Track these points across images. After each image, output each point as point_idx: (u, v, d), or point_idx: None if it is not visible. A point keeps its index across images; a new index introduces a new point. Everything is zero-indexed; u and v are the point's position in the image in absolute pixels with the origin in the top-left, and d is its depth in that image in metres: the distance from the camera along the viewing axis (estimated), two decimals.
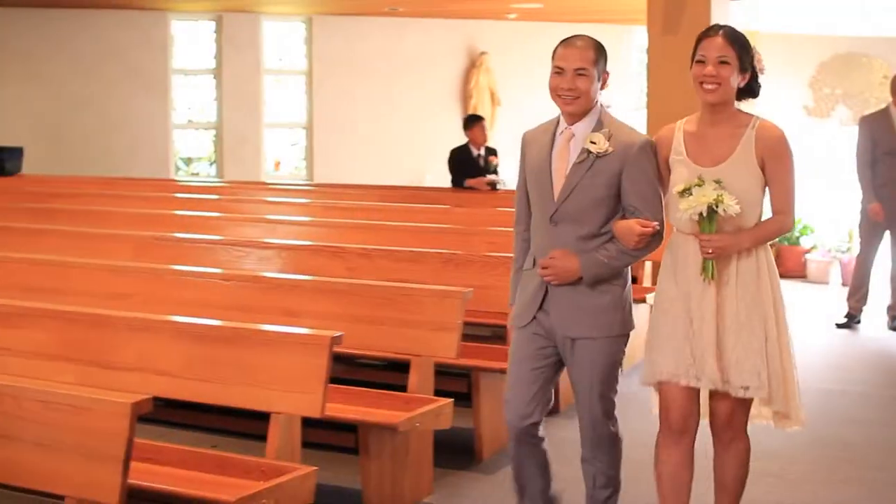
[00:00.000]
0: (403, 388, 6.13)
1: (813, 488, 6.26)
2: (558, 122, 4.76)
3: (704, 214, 4.44)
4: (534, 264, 4.78)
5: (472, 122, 12.96)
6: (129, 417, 4.22)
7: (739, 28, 4.66)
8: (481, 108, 17.60)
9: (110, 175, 14.78)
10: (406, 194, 12.02)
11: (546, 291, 4.72)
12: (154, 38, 16.94)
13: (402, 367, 6.38)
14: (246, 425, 6.29)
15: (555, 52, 4.69)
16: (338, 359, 5.36)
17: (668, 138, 4.68)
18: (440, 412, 5.86)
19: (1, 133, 14.35)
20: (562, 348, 4.75)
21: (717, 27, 4.60)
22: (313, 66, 17.73)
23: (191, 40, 17.52)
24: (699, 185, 4.44)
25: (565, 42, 4.69)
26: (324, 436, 6.03)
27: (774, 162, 4.53)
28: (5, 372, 5.37)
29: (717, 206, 4.40)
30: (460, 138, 12.98)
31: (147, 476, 4.73)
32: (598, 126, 4.65)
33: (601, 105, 4.71)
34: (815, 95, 17.43)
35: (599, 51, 4.67)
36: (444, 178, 13.24)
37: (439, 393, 6.19)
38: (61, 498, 4.40)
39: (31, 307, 5.80)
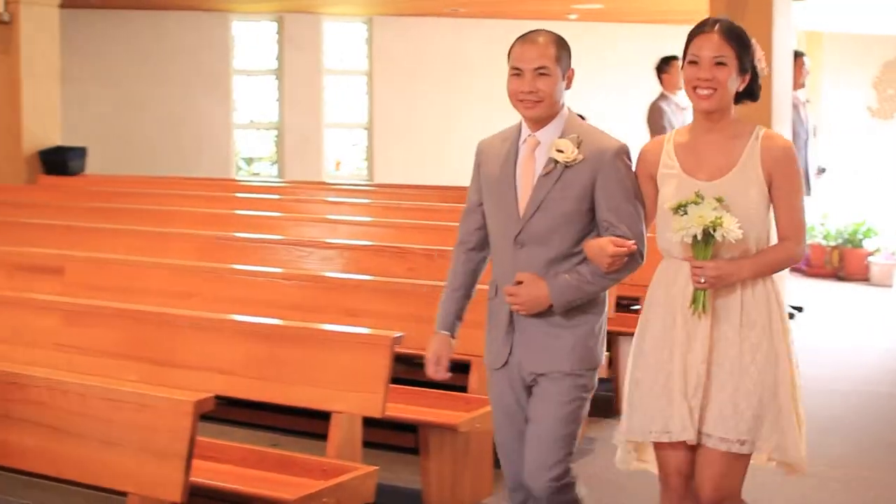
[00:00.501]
0: (464, 389, 6.13)
1: (877, 493, 6.19)
2: (520, 129, 4.18)
3: (699, 238, 3.81)
4: (496, 293, 4.23)
5: None
6: (192, 415, 4.26)
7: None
8: None
9: (172, 175, 14.88)
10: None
11: (514, 324, 4.17)
12: (216, 38, 17.06)
13: (462, 367, 6.37)
14: (307, 424, 6.32)
15: (510, 51, 4.12)
16: (398, 359, 5.37)
17: (654, 152, 4.07)
18: None
19: (65, 133, 14.47)
20: (530, 382, 4.18)
21: (713, 21, 3.90)
22: (374, 66, 17.79)
23: (252, 41, 17.63)
24: (696, 203, 3.81)
25: (522, 39, 4.11)
26: (384, 436, 6.05)
27: (783, 178, 3.90)
28: (72, 370, 5.42)
29: (714, 230, 3.77)
30: None
31: (209, 474, 4.77)
32: (566, 132, 4.08)
33: (568, 108, 4.16)
34: (879, 96, 17.24)
35: (562, 46, 4.10)
36: None
37: None
38: (124, 494, 4.44)
39: (96, 306, 5.87)
